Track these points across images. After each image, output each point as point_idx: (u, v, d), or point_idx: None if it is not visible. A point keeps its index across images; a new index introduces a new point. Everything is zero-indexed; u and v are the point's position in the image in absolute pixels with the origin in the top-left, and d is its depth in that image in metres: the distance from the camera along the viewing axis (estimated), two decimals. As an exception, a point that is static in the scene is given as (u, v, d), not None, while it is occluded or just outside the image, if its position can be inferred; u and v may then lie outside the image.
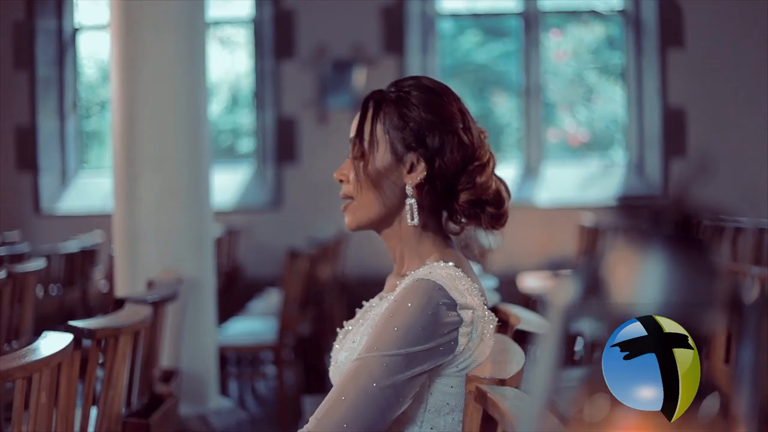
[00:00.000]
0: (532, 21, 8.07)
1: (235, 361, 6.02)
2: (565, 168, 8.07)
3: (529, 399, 0.63)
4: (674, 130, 7.74)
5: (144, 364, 3.12)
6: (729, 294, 0.60)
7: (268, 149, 7.95)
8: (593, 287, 0.64)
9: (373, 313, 1.75)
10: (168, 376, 3.62)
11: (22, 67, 7.95)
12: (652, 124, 7.84)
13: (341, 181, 1.81)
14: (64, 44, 8.14)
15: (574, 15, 8.34)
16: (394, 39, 7.77)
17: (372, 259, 7.14)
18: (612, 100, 8.38)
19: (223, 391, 5.28)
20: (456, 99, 1.77)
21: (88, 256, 5.97)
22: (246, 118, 8.35)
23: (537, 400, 0.63)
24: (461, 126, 1.73)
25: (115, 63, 4.32)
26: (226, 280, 6.68)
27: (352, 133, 1.78)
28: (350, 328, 1.80)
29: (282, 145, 7.85)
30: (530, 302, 5.68)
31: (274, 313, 5.58)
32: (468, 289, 1.64)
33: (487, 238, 1.82)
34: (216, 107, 8.38)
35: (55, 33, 8.09)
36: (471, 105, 1.85)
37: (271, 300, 6.25)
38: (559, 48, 8.38)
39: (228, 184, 7.98)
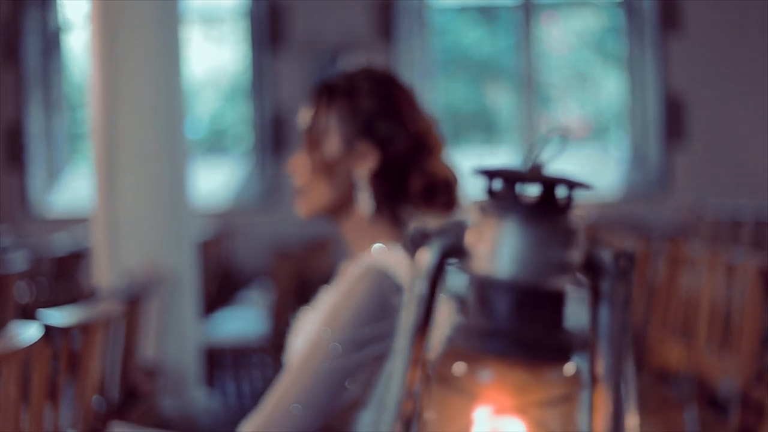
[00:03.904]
0: (530, 9, 8.01)
1: (230, 356, 6.01)
2: (563, 157, 8.02)
3: (392, 360, 0.65)
4: (675, 117, 7.71)
5: (123, 358, 3.11)
6: (588, 258, 0.61)
7: (263, 142, 7.93)
8: (454, 253, 0.65)
9: (325, 298, 1.76)
10: (149, 370, 3.62)
11: (10, 64, 7.93)
12: (653, 111, 7.81)
13: (294, 171, 1.82)
14: (52, 41, 8.13)
15: (572, 3, 8.30)
16: (387, 29, 7.75)
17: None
18: (611, 88, 8.34)
19: (214, 386, 5.28)
20: (404, 88, 1.79)
21: (76, 252, 5.96)
22: (241, 112, 8.34)
23: (399, 360, 0.64)
24: (410, 114, 1.75)
25: (94, 60, 4.33)
26: (221, 273, 6.68)
27: (304, 123, 1.79)
28: (306, 314, 1.81)
29: (277, 137, 7.84)
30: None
31: (266, 305, 5.59)
32: None
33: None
34: (211, 102, 8.38)
35: (43, 29, 8.07)
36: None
37: (264, 292, 6.25)
38: (558, 36, 8.33)
39: (224, 177, 7.98)
